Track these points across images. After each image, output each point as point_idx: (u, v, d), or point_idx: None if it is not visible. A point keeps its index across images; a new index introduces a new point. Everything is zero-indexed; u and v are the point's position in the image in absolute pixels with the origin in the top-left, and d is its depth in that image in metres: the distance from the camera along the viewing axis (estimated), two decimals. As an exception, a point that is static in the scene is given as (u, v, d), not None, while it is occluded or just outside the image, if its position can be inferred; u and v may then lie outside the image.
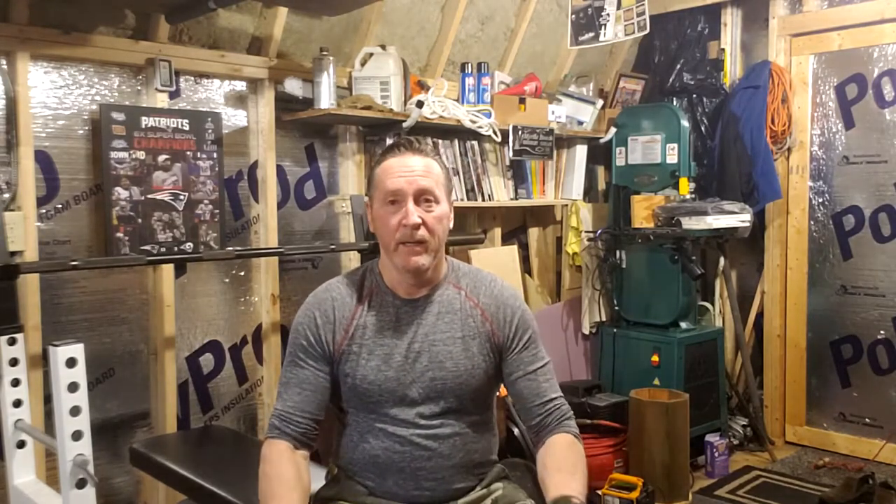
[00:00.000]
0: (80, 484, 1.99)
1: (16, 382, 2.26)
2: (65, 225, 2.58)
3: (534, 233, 4.08)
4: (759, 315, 4.10)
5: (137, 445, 2.46)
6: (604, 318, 4.02)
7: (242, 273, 3.05)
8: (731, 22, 4.08)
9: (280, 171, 3.10)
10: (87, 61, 2.60)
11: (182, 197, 2.79)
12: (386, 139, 3.21)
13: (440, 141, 3.44)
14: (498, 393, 1.80)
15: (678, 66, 4.11)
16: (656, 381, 3.62)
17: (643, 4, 3.30)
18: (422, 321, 1.66)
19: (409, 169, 1.61)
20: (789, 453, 3.84)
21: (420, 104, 3.16)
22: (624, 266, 3.90)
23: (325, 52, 2.96)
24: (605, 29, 3.40)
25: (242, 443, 2.66)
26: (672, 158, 3.72)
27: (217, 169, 2.88)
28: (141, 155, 2.68)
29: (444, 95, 3.36)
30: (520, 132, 3.57)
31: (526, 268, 4.01)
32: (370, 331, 1.65)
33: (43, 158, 2.52)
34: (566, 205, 4.04)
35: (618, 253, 3.91)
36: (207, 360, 2.96)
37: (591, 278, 3.98)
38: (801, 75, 3.89)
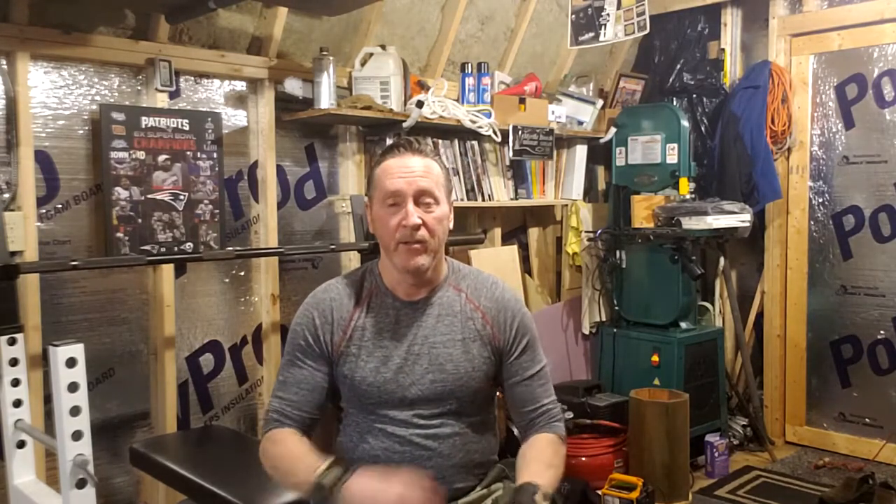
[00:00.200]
0: (80, 484, 1.99)
1: (16, 382, 2.26)
2: (65, 225, 2.58)
3: (534, 233, 4.08)
4: (759, 315, 4.10)
5: (137, 445, 2.46)
6: (604, 318, 4.02)
7: (242, 273, 3.05)
8: (731, 22, 4.08)
9: (280, 171, 3.10)
10: (87, 61, 2.60)
11: (182, 197, 2.79)
12: (386, 139, 3.21)
13: (440, 141, 3.44)
14: (498, 393, 1.80)
15: (678, 66, 4.11)
16: (656, 381, 3.62)
17: (643, 4, 3.30)
18: (422, 323, 1.66)
19: (409, 170, 1.61)
20: (789, 453, 3.84)
21: (420, 104, 3.16)
22: (624, 266, 3.90)
23: (325, 52, 2.96)
24: (605, 29, 3.40)
25: (242, 443, 2.66)
26: (672, 158, 3.72)
27: (217, 169, 2.88)
28: (141, 155, 2.68)
29: (444, 95, 3.36)
30: (520, 132, 3.57)
31: (526, 268, 4.01)
32: (369, 332, 1.65)
33: (43, 158, 2.52)
34: (566, 205, 4.04)
35: (618, 253, 3.91)
36: (207, 360, 2.96)
37: (591, 278, 3.98)
38: (801, 75, 3.89)
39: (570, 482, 3.10)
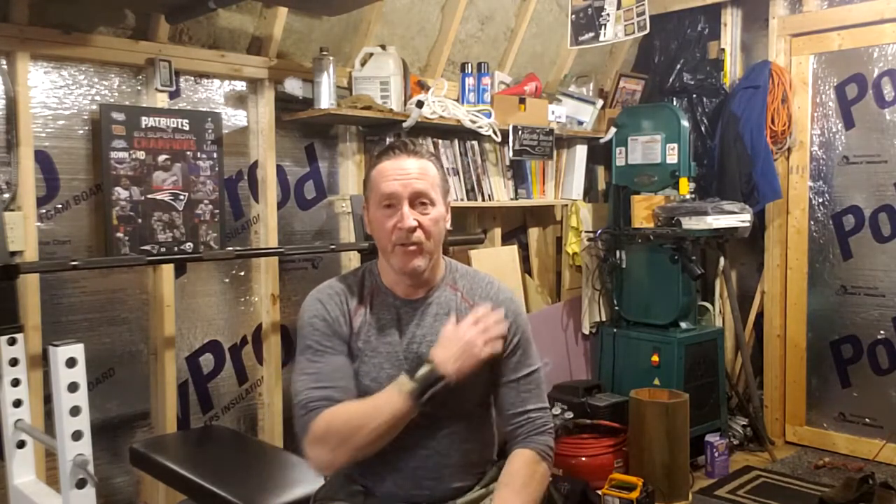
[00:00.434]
0: (80, 484, 1.99)
1: (16, 382, 2.26)
2: (65, 225, 2.58)
3: (534, 233, 4.08)
4: (759, 315, 4.10)
5: (137, 445, 2.46)
6: (604, 318, 4.02)
7: (242, 273, 3.05)
8: (731, 22, 4.08)
9: (280, 171, 3.10)
10: (87, 61, 2.60)
11: (182, 197, 2.79)
12: (386, 139, 3.21)
13: (440, 141, 3.44)
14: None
15: (678, 66, 4.11)
16: (656, 381, 3.62)
17: (643, 4, 3.30)
18: (421, 322, 1.67)
19: (405, 172, 1.62)
20: (789, 453, 3.84)
21: (420, 104, 3.16)
22: (624, 266, 3.90)
23: (325, 52, 2.96)
24: (605, 29, 3.40)
25: (242, 443, 2.66)
26: (672, 158, 3.72)
27: (217, 169, 2.88)
28: (141, 155, 2.69)
29: (444, 95, 3.36)
30: (520, 132, 3.57)
31: (526, 268, 4.01)
32: (374, 329, 1.66)
33: (43, 158, 2.52)
34: (566, 205, 4.04)
35: (618, 253, 3.91)
36: (207, 360, 2.96)
37: (591, 278, 3.98)
38: (801, 75, 3.89)
39: (570, 482, 3.10)
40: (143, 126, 2.68)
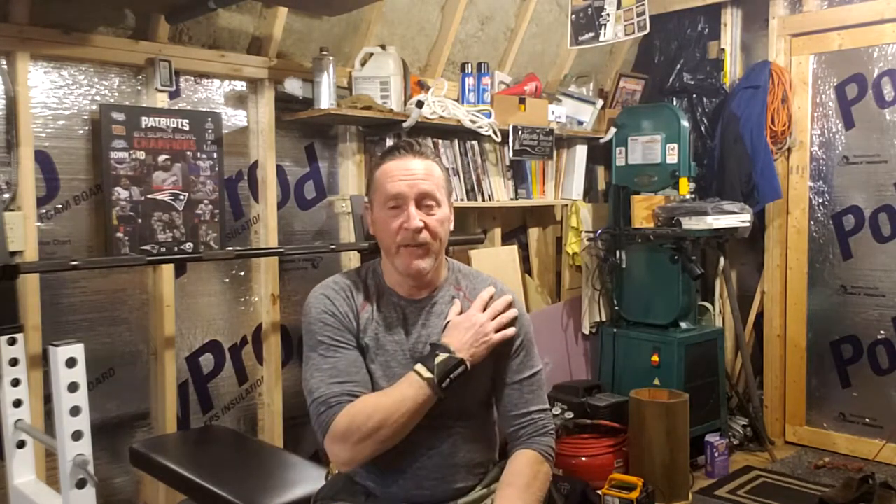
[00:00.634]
0: (80, 484, 1.99)
1: (16, 382, 2.26)
2: (65, 225, 2.58)
3: (534, 233, 4.08)
4: (759, 315, 4.10)
5: (137, 445, 2.46)
6: (604, 318, 4.02)
7: (242, 273, 3.05)
8: (731, 22, 4.08)
9: (280, 171, 3.10)
10: (87, 61, 2.60)
11: (182, 197, 2.79)
12: (386, 139, 3.21)
13: (440, 141, 3.44)
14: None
15: (678, 66, 4.12)
16: (656, 381, 3.62)
17: (643, 4, 3.30)
18: (426, 322, 1.66)
19: (410, 172, 1.61)
20: (789, 453, 3.84)
21: (420, 104, 3.16)
22: (624, 266, 3.90)
23: (325, 52, 2.96)
24: (605, 29, 3.40)
25: (242, 443, 2.66)
26: (672, 158, 3.73)
27: (217, 169, 2.88)
28: (141, 155, 2.68)
29: (444, 95, 3.36)
30: (520, 132, 3.57)
31: (526, 268, 4.01)
32: (380, 327, 1.65)
33: (43, 158, 2.52)
34: (566, 205, 4.04)
35: (618, 253, 3.91)
36: (207, 360, 2.96)
37: (591, 278, 3.98)
38: (801, 75, 3.89)
39: (570, 482, 3.10)
40: (143, 126, 2.68)
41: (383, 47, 3.19)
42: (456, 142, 3.50)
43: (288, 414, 3.09)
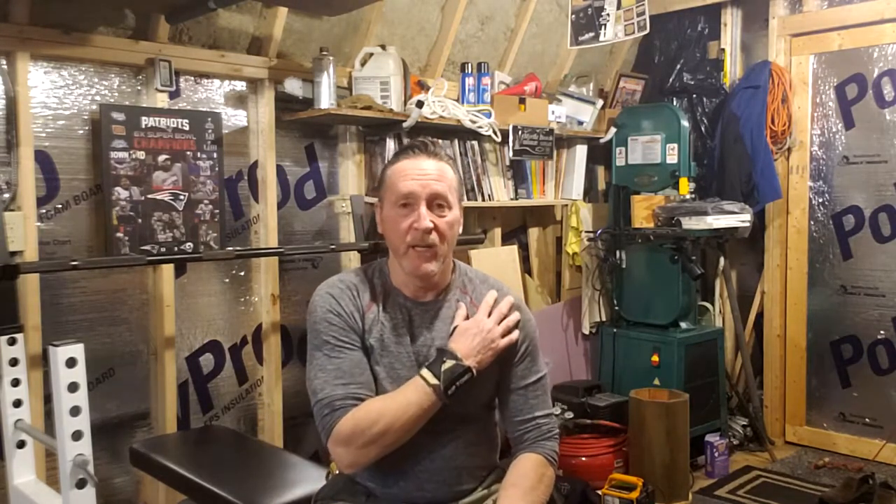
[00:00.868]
0: (80, 484, 1.99)
1: (16, 382, 2.26)
2: (65, 225, 2.58)
3: (534, 233, 4.08)
4: (759, 315, 4.10)
5: (137, 445, 2.46)
6: (604, 318, 4.02)
7: (242, 273, 3.05)
8: (731, 22, 4.08)
9: (280, 171, 3.10)
10: (87, 61, 2.60)
11: (182, 197, 2.79)
12: (386, 139, 3.21)
13: (440, 141, 3.43)
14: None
15: (678, 66, 4.12)
16: (656, 381, 3.62)
17: (643, 4, 3.30)
18: (432, 326, 1.65)
19: (423, 172, 1.60)
20: (789, 453, 3.84)
21: (420, 104, 3.16)
22: (624, 266, 3.90)
23: (325, 52, 2.96)
24: (605, 29, 3.40)
25: (242, 443, 2.66)
26: (672, 158, 3.73)
27: (217, 169, 2.88)
28: (141, 155, 2.68)
29: (444, 95, 3.36)
30: (520, 132, 3.57)
31: (526, 268, 4.01)
32: (386, 328, 1.64)
33: (43, 158, 2.52)
34: (566, 205, 4.04)
35: (618, 253, 3.91)
36: (207, 360, 2.96)
37: (591, 278, 3.98)
38: (801, 75, 3.89)
39: (570, 482, 3.10)
40: (143, 126, 2.68)
41: (383, 47, 3.19)
42: (456, 142, 3.50)
43: (288, 414, 3.09)
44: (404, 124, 3.13)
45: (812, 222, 3.91)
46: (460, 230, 1.68)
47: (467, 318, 1.65)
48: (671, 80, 4.12)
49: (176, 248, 2.77)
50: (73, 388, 1.98)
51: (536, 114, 3.67)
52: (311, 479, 2.10)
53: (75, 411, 1.98)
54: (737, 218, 3.58)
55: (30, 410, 2.30)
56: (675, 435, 3.29)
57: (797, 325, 3.96)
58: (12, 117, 2.43)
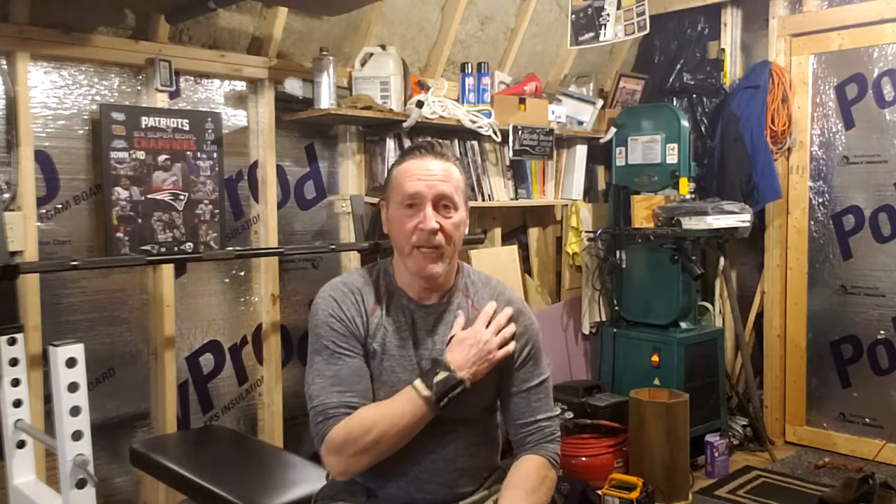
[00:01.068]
0: (80, 484, 1.99)
1: (16, 382, 2.26)
2: (65, 225, 2.58)
3: (534, 233, 4.08)
4: (759, 315, 4.10)
5: (137, 445, 2.46)
6: (604, 318, 4.02)
7: (242, 273, 3.05)
8: (731, 22, 4.08)
9: (280, 171, 3.10)
10: (87, 61, 2.60)
11: (182, 197, 2.79)
12: (386, 139, 3.22)
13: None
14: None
15: (678, 66, 4.12)
16: (656, 381, 3.62)
17: (643, 4, 3.30)
18: (434, 329, 1.65)
19: (430, 173, 1.59)
20: (789, 453, 3.84)
21: (420, 104, 3.16)
22: (624, 266, 3.90)
23: (325, 52, 2.96)
24: (605, 29, 3.40)
25: (242, 443, 2.66)
26: (672, 158, 3.73)
27: (217, 169, 2.88)
28: (141, 155, 2.68)
29: (444, 95, 3.36)
30: (520, 132, 3.57)
31: (526, 268, 4.01)
32: (389, 332, 1.63)
33: (43, 158, 2.52)
34: (566, 205, 4.04)
35: (618, 253, 3.91)
36: (207, 360, 2.96)
37: (591, 278, 3.98)
38: (801, 75, 3.89)
39: (570, 482, 3.10)
40: (143, 126, 2.68)
41: (383, 47, 3.19)
42: (456, 142, 3.50)
43: (288, 414, 3.09)
44: (404, 124, 3.13)
45: (812, 222, 3.91)
46: (466, 231, 1.67)
47: (466, 325, 1.64)
48: (671, 80, 4.12)
49: (176, 248, 2.77)
50: (73, 388, 1.98)
51: (536, 114, 3.67)
52: (311, 479, 2.10)
53: (75, 411, 1.99)
54: (737, 218, 3.58)
55: (30, 410, 2.30)
56: (675, 435, 3.29)
57: (797, 325, 3.96)
58: (12, 117, 2.43)
